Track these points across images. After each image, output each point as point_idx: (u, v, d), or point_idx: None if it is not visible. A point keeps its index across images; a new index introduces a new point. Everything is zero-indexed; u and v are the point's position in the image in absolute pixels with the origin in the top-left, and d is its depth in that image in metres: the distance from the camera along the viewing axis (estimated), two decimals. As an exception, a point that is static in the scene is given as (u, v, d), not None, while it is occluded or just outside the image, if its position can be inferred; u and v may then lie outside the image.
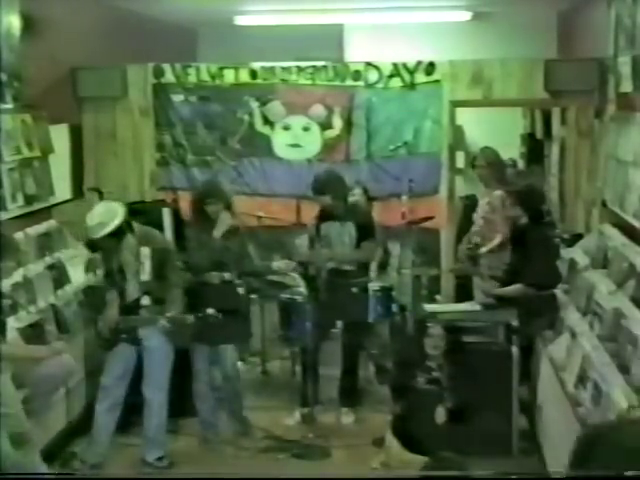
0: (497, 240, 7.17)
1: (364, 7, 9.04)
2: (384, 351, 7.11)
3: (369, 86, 7.88)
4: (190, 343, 6.11)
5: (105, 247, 5.82)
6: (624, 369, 4.61)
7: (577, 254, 6.69)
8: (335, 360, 6.70)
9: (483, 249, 7.27)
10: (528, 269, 6.30)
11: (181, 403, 6.19)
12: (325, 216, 6.62)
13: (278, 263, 6.58)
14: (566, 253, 6.88)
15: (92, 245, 7.28)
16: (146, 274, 5.83)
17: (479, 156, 7.77)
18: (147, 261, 5.82)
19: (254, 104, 7.97)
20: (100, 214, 5.77)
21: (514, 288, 6.34)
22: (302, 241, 6.91)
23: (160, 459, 5.91)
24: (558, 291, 6.33)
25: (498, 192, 7.17)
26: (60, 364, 5.40)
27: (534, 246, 6.41)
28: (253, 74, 7.96)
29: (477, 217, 7.52)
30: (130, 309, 5.83)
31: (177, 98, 8.05)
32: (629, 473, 2.09)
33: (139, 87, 8.05)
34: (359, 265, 6.63)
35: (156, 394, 5.92)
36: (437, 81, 7.81)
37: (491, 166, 7.48)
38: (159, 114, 8.08)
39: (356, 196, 7.15)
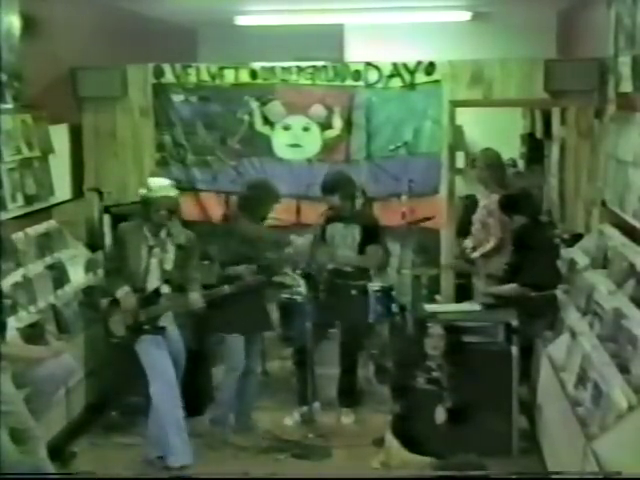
0: (491, 244, 7.20)
1: (364, 7, 9.04)
2: (384, 351, 7.12)
3: (369, 86, 7.87)
4: (222, 336, 6.18)
5: (155, 217, 5.82)
6: (624, 369, 4.61)
7: (577, 254, 6.70)
8: (334, 360, 6.71)
9: (475, 254, 7.29)
10: (527, 270, 6.30)
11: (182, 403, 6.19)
12: (331, 217, 6.63)
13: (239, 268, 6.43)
14: (566, 253, 6.88)
15: (92, 245, 7.32)
16: (169, 264, 5.86)
17: (479, 157, 7.77)
18: (171, 251, 5.86)
19: (254, 104, 7.97)
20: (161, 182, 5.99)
21: (509, 287, 6.35)
22: (298, 240, 6.91)
23: (161, 458, 5.91)
24: (558, 291, 6.33)
25: (496, 196, 7.18)
26: (60, 364, 5.40)
27: (533, 247, 6.42)
28: (253, 74, 7.96)
29: (475, 220, 7.54)
30: (149, 299, 5.84)
31: (177, 98, 8.04)
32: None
33: (139, 87, 8.05)
34: (360, 267, 6.63)
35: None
36: (437, 81, 7.80)
37: (491, 168, 7.49)
38: (159, 114, 8.08)
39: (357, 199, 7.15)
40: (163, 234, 5.88)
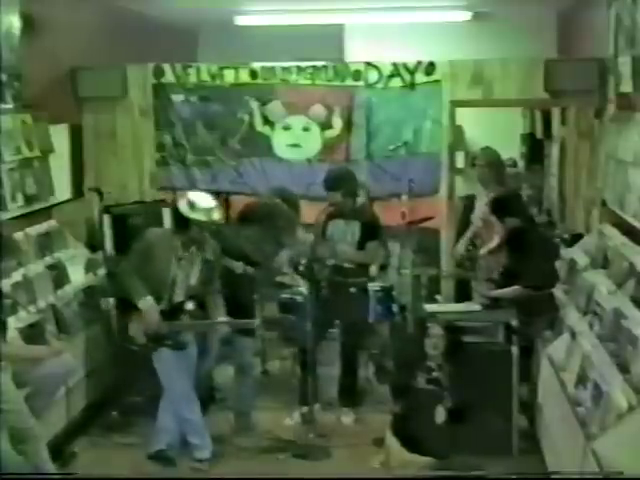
0: (495, 242, 7.17)
1: (364, 7, 9.04)
2: (384, 351, 7.12)
3: (369, 86, 7.89)
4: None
5: (194, 237, 5.75)
6: (624, 369, 4.61)
7: (577, 254, 6.69)
8: (335, 360, 6.71)
9: (481, 251, 7.27)
10: (525, 271, 6.30)
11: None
12: (332, 214, 6.63)
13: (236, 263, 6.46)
14: (566, 253, 6.88)
15: (92, 245, 7.31)
16: (194, 279, 5.81)
17: (479, 155, 7.77)
18: (197, 266, 5.81)
19: (254, 104, 7.98)
20: (208, 201, 5.82)
21: (512, 289, 6.34)
22: (304, 234, 6.93)
23: (162, 451, 5.88)
24: (558, 291, 6.33)
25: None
26: (60, 364, 5.41)
27: (529, 249, 6.41)
28: (253, 74, 7.97)
29: (475, 218, 7.52)
30: (173, 313, 5.75)
31: (177, 98, 8.06)
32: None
33: (139, 87, 8.06)
34: (360, 264, 6.63)
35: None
36: (437, 81, 7.81)
37: (491, 166, 7.48)
38: (159, 114, 8.09)
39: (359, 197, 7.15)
40: (194, 248, 5.80)
